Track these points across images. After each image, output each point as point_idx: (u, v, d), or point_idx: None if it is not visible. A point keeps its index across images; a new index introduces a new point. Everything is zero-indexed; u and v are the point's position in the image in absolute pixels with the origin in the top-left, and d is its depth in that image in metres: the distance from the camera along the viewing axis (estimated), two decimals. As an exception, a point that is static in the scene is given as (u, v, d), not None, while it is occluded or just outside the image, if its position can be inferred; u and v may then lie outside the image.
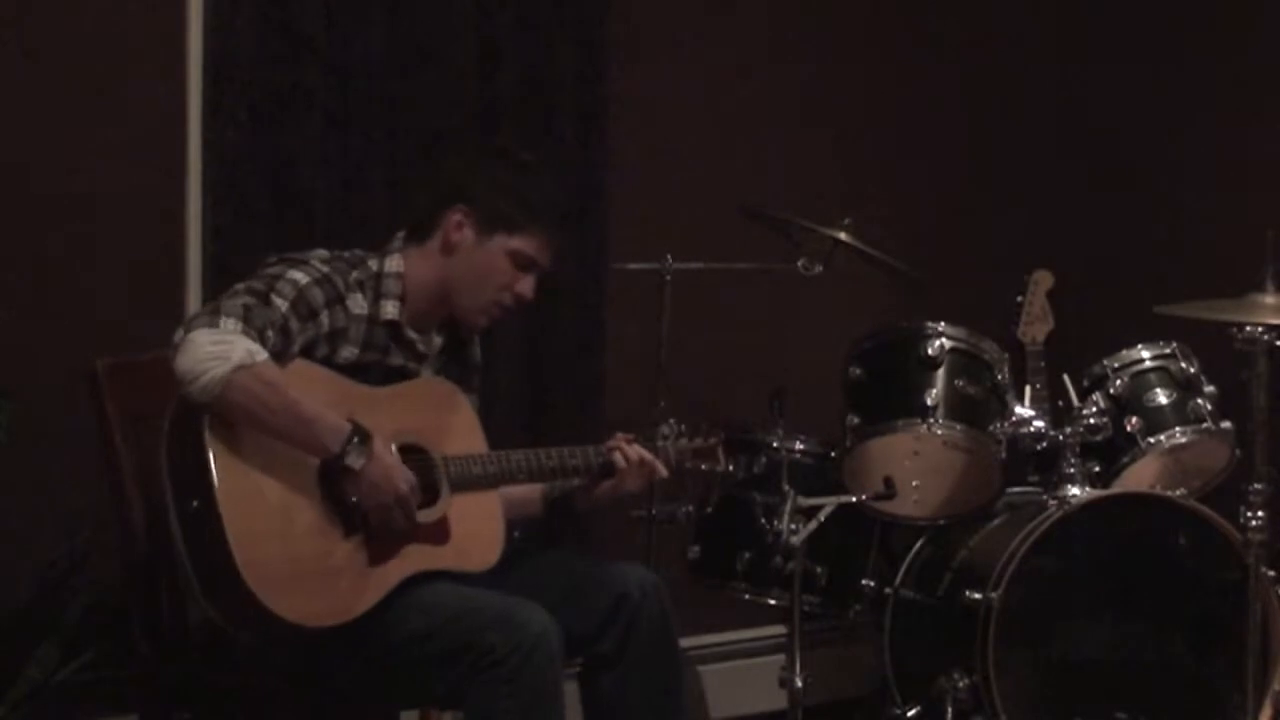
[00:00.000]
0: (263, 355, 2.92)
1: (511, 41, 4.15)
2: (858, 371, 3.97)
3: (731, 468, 3.66)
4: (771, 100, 4.63)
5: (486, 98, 4.13)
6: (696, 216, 4.37)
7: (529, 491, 3.34)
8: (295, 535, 2.96)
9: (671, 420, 3.44)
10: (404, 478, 3.02)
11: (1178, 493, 3.89)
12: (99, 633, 3.42)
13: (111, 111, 3.73)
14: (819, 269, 4.02)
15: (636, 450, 3.31)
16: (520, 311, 3.30)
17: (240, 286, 3.02)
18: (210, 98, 3.81)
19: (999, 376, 3.95)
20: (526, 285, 3.22)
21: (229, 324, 2.92)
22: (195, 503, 2.91)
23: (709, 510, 3.97)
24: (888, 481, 3.66)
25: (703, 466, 3.47)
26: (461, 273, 3.19)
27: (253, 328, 2.93)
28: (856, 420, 3.90)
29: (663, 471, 3.35)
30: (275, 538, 2.93)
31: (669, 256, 4.00)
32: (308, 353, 3.07)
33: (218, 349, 2.88)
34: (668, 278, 4.01)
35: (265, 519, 2.93)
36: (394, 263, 3.19)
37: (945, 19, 4.90)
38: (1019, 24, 4.98)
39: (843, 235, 3.97)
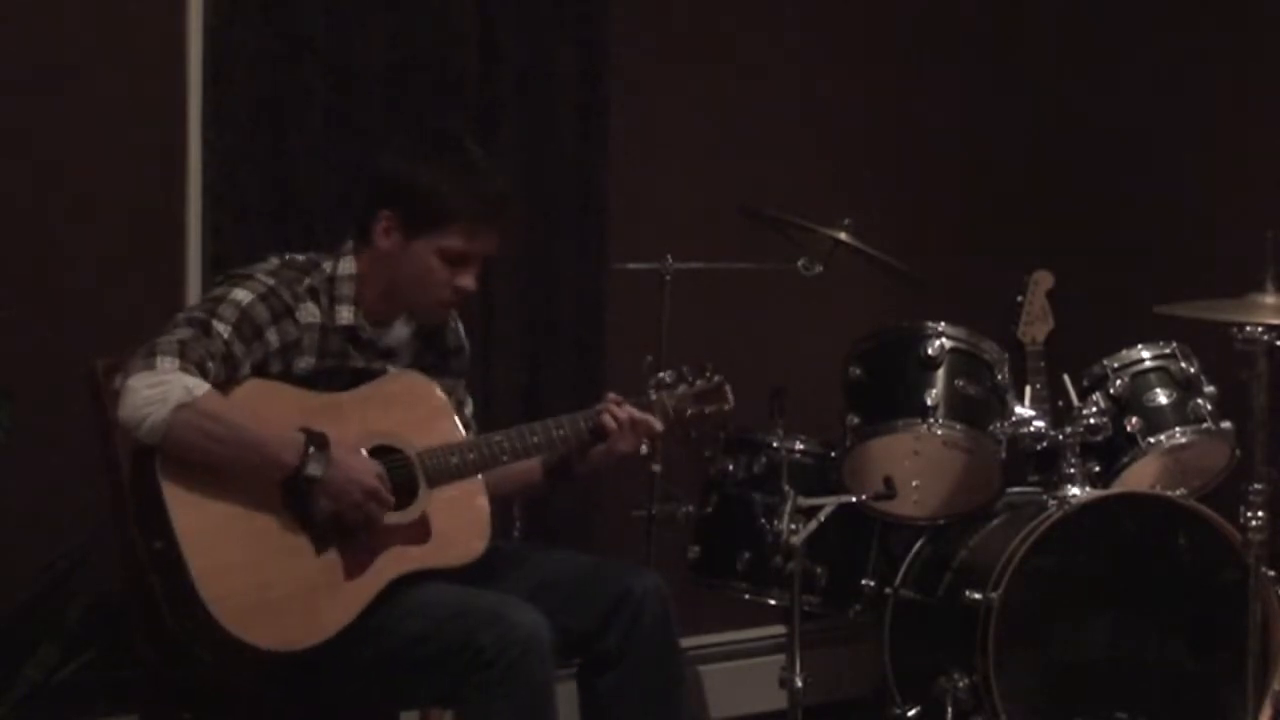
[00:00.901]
0: (202, 389, 2.90)
1: (511, 41, 4.15)
2: (858, 371, 3.97)
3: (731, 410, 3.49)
4: (771, 100, 4.63)
5: (486, 98, 4.12)
6: (696, 216, 4.37)
7: (528, 464, 3.30)
8: (265, 562, 2.94)
9: (662, 373, 3.36)
10: (369, 470, 3.00)
11: (1178, 493, 3.89)
12: (99, 633, 3.42)
13: (111, 111, 3.73)
14: (819, 269, 4.02)
15: (626, 410, 3.25)
16: (465, 303, 3.24)
17: (181, 316, 3.01)
18: (210, 98, 3.81)
19: (999, 376, 3.95)
20: (466, 279, 3.15)
21: (165, 363, 2.90)
22: (159, 544, 2.90)
23: (709, 510, 3.97)
24: (888, 481, 3.66)
25: (707, 410, 3.37)
26: (399, 275, 3.14)
27: (190, 361, 2.92)
28: (856, 420, 3.90)
29: (657, 426, 3.28)
30: (243, 568, 2.92)
31: (669, 256, 4.01)
32: (261, 370, 3.04)
33: (154, 392, 2.88)
34: (668, 278, 4.01)
35: (231, 550, 2.91)
36: (347, 265, 3.16)
37: (945, 19, 4.89)
38: (1019, 23, 4.98)
39: (843, 235, 3.98)
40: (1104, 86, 4.98)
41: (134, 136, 3.76)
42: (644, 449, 3.32)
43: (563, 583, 3.20)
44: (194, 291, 3.80)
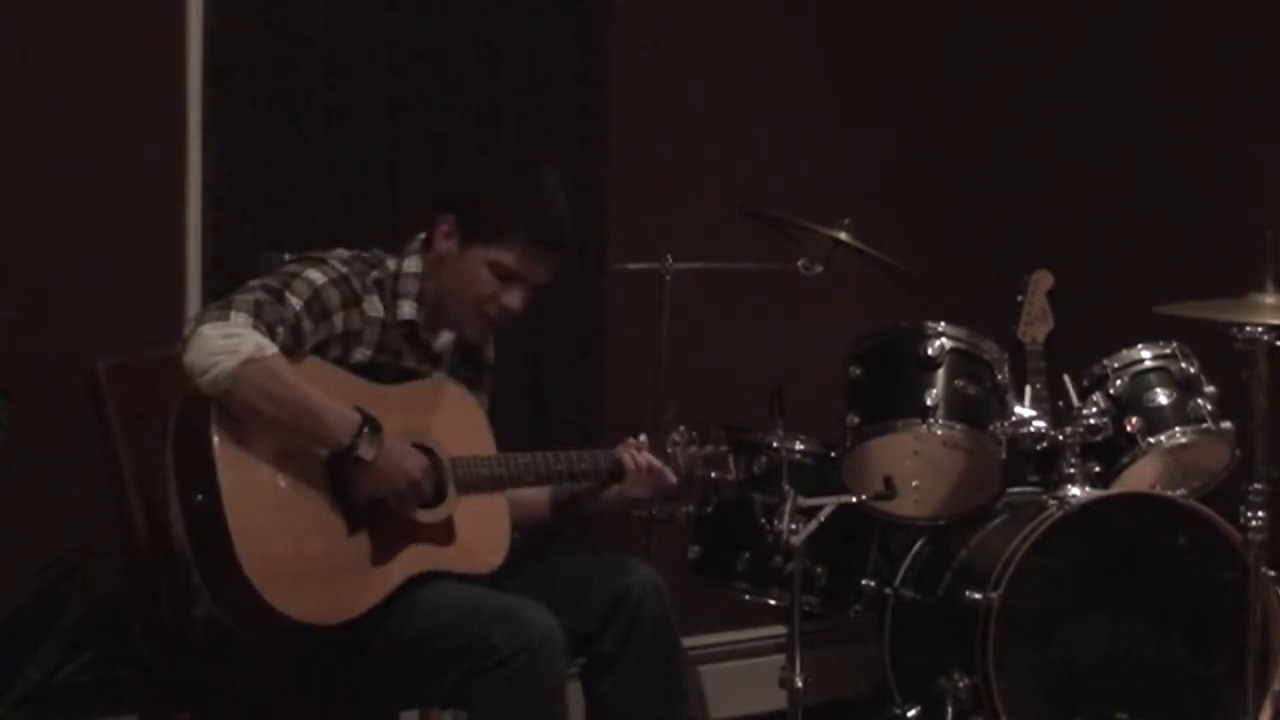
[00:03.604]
0: (272, 349, 2.92)
1: (511, 41, 4.15)
2: (858, 371, 3.97)
3: (741, 477, 3.59)
4: (772, 100, 4.63)
5: (486, 98, 4.12)
6: (696, 216, 4.37)
7: (537, 495, 3.33)
8: (300, 532, 2.96)
9: (682, 427, 3.40)
10: (416, 463, 3.03)
11: (1178, 493, 3.89)
12: (99, 633, 3.41)
13: (112, 111, 3.73)
14: (819, 269, 4.02)
15: (646, 458, 3.29)
16: (509, 324, 3.26)
17: (255, 283, 3.02)
18: (210, 98, 3.81)
19: (999, 376, 3.95)
20: (512, 297, 3.17)
21: (239, 318, 2.92)
22: (200, 497, 2.90)
23: (709, 510, 3.97)
24: (888, 481, 3.66)
25: (712, 474, 3.44)
26: (448, 281, 3.17)
27: (263, 322, 2.94)
28: (856, 420, 3.90)
29: (671, 479, 3.34)
30: (280, 534, 2.93)
31: (669, 256, 4.01)
32: (320, 353, 3.07)
33: (227, 342, 2.89)
34: (668, 278, 4.01)
35: (270, 515, 2.93)
36: (412, 264, 3.19)
37: (946, 19, 4.89)
38: (1019, 24, 4.98)
39: (843, 235, 3.98)
40: (1104, 86, 4.98)
41: (134, 136, 3.76)
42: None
43: (560, 583, 3.21)
44: (194, 291, 3.79)
